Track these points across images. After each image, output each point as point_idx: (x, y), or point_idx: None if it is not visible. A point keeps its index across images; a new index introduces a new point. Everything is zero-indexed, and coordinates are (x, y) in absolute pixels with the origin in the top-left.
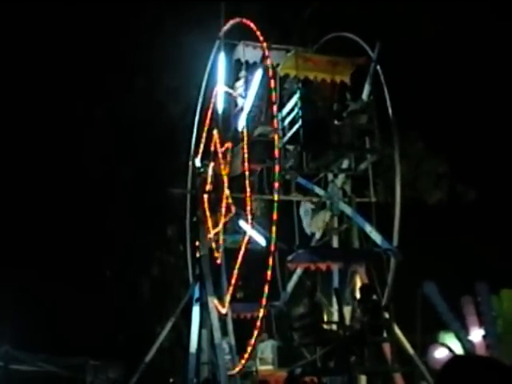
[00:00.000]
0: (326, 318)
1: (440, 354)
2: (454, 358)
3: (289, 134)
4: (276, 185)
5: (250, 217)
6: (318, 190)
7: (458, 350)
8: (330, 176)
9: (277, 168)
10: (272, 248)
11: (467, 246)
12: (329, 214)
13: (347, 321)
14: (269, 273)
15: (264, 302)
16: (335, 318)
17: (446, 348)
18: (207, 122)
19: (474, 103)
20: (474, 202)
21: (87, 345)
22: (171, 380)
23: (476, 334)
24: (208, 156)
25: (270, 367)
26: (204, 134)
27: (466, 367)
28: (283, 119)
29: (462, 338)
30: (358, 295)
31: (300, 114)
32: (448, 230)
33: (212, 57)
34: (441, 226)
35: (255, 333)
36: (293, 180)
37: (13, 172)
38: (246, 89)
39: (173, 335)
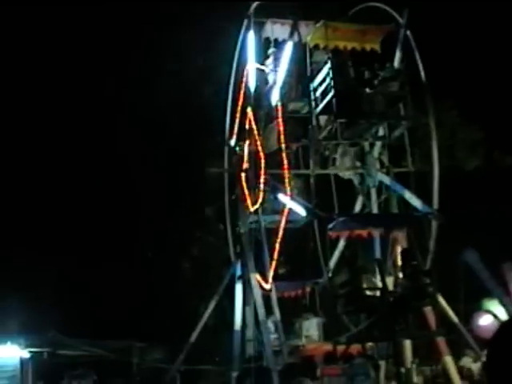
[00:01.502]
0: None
1: (485, 321)
2: (507, 322)
3: (321, 105)
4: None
5: (288, 188)
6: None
7: (503, 316)
8: (367, 148)
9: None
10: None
11: (507, 211)
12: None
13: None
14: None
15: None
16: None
17: (491, 315)
18: (240, 100)
19: (508, 69)
20: (511, 167)
21: (132, 327)
22: (216, 359)
23: None
24: (243, 134)
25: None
26: (238, 114)
27: None
28: (315, 90)
29: (506, 304)
30: (399, 262)
31: (332, 83)
32: (487, 196)
33: (241, 35)
34: (479, 193)
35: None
36: (330, 155)
37: (49, 158)
38: (276, 65)
39: (216, 314)
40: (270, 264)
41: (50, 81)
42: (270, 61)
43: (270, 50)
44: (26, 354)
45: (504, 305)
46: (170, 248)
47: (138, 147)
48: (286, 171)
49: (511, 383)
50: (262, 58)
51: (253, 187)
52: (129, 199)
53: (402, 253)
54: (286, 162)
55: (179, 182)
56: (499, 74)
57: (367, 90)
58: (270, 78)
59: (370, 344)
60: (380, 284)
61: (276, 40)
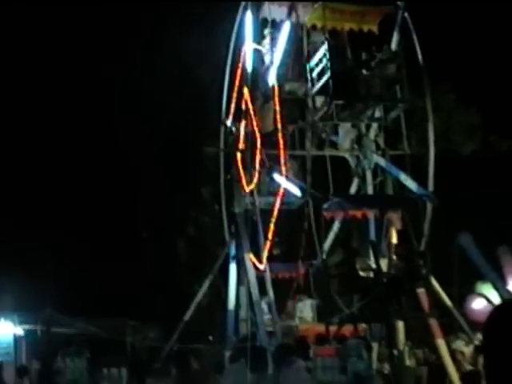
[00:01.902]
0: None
1: (478, 304)
2: (502, 305)
3: (318, 86)
4: (309, 133)
5: (284, 169)
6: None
7: (496, 300)
8: (363, 130)
9: (309, 117)
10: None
11: (502, 195)
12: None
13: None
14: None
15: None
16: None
17: (484, 298)
18: (237, 81)
19: (506, 52)
20: (507, 151)
21: (126, 306)
22: (210, 338)
23: None
24: (239, 115)
25: None
26: (234, 94)
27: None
28: (311, 71)
29: (500, 288)
30: (394, 241)
31: (328, 65)
32: (483, 180)
33: (239, 16)
34: (475, 177)
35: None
36: (327, 136)
37: (45, 136)
38: (273, 45)
39: (211, 293)
40: (265, 244)
41: (48, 65)
42: (266, 41)
43: (266, 31)
44: (20, 331)
45: (497, 288)
46: (166, 227)
47: (136, 127)
48: (281, 152)
49: (508, 368)
50: (259, 38)
51: (248, 168)
52: (125, 178)
53: (400, 234)
54: (281, 142)
55: (176, 161)
56: (497, 59)
57: (364, 71)
58: (267, 59)
59: (363, 325)
60: (374, 265)
61: (274, 21)
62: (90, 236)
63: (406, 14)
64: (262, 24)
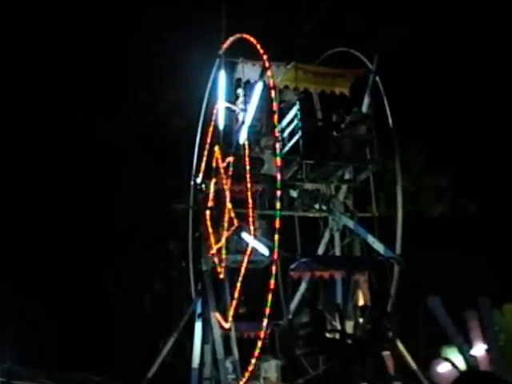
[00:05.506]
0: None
1: (443, 368)
2: (462, 375)
3: (289, 145)
4: (278, 193)
5: (252, 228)
6: (318, 206)
7: (461, 364)
8: (332, 191)
9: (279, 176)
10: (275, 255)
11: (470, 259)
12: None
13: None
14: (272, 281)
15: (268, 311)
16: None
17: (449, 363)
18: (208, 138)
19: (475, 115)
20: (475, 215)
21: (89, 359)
22: None
23: (479, 349)
24: (210, 172)
25: None
26: (205, 152)
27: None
28: (283, 130)
29: (465, 352)
30: (361, 302)
31: (299, 125)
32: (450, 243)
33: (213, 74)
34: (443, 240)
35: (259, 344)
36: (297, 196)
37: (11, 189)
38: (246, 103)
39: (175, 351)
40: (231, 303)
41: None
42: (240, 100)
43: (239, 90)
44: None
45: (463, 353)
46: (132, 282)
47: (105, 176)
48: (250, 211)
49: None
50: (233, 97)
51: (217, 226)
52: (94, 230)
53: (373, 294)
54: (250, 201)
55: (145, 215)
56: (466, 122)
57: (334, 133)
58: (240, 117)
59: None
60: (339, 327)
61: (248, 81)
62: (54, 288)
63: (377, 78)
64: (235, 83)
